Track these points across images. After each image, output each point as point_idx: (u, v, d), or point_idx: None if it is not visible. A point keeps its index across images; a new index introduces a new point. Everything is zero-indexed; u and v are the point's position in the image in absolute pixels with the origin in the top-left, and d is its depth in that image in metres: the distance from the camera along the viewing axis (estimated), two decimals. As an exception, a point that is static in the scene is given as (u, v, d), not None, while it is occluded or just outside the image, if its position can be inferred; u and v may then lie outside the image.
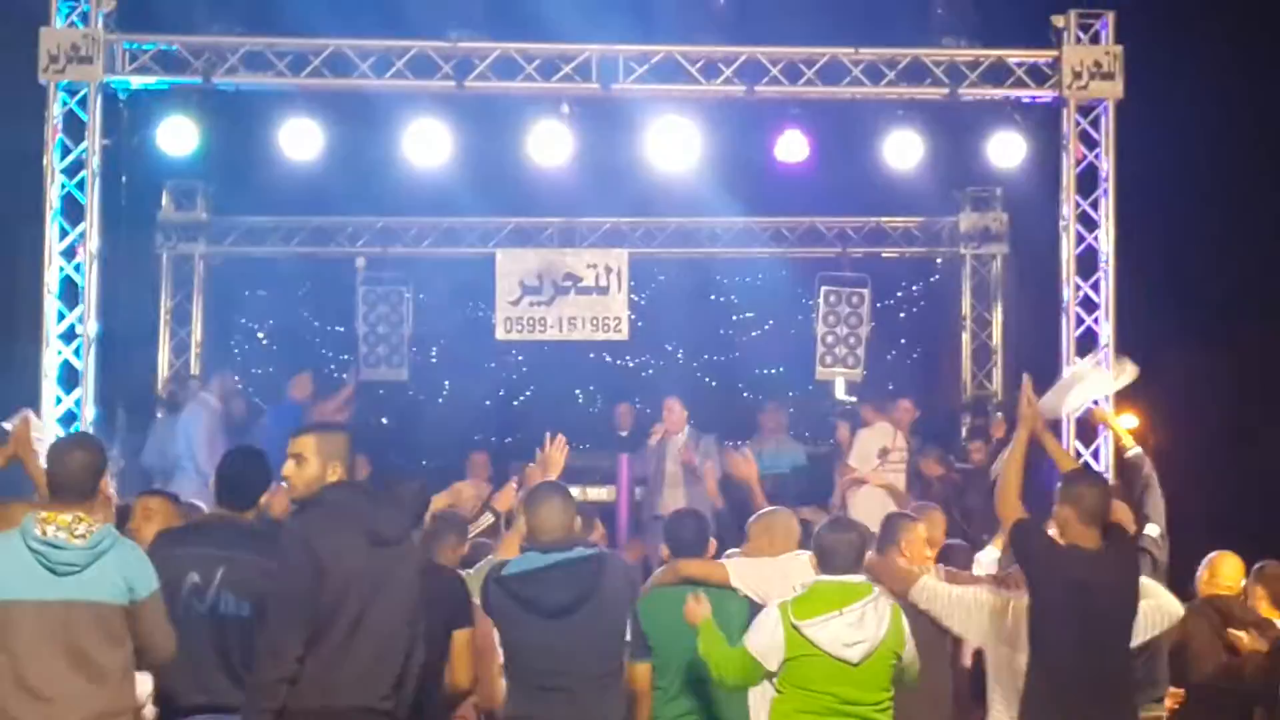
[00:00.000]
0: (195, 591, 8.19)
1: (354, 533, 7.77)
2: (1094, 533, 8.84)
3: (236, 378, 18.93)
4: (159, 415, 18.30)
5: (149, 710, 8.31)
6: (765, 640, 8.10)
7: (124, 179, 16.24)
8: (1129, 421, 19.40)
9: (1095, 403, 14.38)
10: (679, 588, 9.09)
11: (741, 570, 9.34)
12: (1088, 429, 15.89)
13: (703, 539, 9.58)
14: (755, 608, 8.88)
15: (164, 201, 20.50)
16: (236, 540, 8.39)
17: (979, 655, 9.67)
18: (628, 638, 8.65)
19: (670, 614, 8.89)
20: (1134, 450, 10.97)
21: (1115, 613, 8.84)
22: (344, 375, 21.09)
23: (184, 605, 8.08)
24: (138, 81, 15.95)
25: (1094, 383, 12.28)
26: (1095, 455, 15.76)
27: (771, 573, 9.28)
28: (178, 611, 7.92)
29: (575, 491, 11.77)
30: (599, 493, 17.09)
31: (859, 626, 8.03)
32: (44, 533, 7.38)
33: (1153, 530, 10.14)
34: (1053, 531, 9.06)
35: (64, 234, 15.41)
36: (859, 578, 8.26)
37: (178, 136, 16.58)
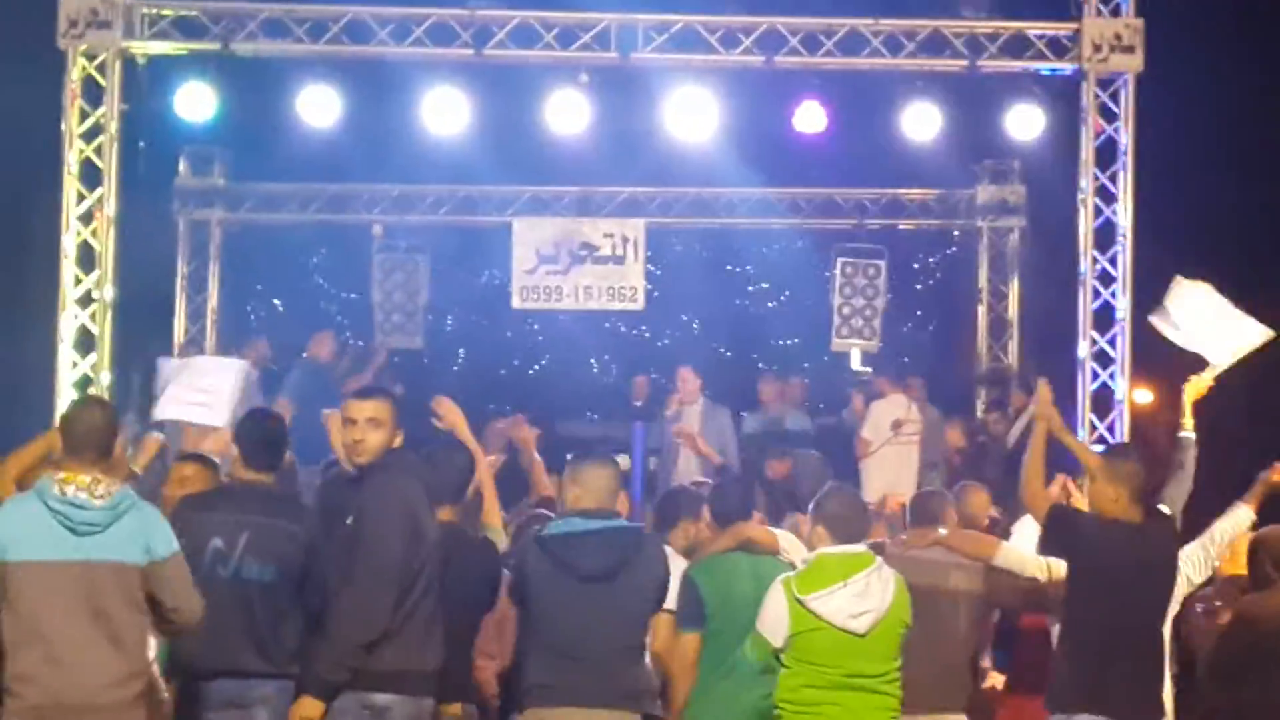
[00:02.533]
0: (219, 557, 8.19)
1: (426, 497, 7.90)
2: (1138, 509, 8.92)
3: (266, 343, 18.87)
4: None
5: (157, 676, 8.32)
6: (771, 617, 8.09)
7: (141, 144, 16.26)
8: (1142, 396, 19.39)
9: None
10: (734, 554, 9.08)
11: (791, 540, 9.34)
12: (1104, 402, 15.87)
13: (748, 505, 9.58)
14: None
15: (181, 167, 20.50)
16: (261, 505, 8.41)
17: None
18: (668, 607, 8.66)
19: (723, 581, 8.90)
20: (1188, 434, 10.89)
21: (1156, 587, 8.94)
22: (360, 343, 21.13)
23: (207, 570, 8.09)
24: (156, 47, 15.93)
25: (1237, 330, 11.79)
26: (1111, 429, 15.74)
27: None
28: (200, 576, 7.92)
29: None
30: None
31: (864, 597, 8.01)
32: (64, 493, 7.37)
33: (1163, 510, 10.10)
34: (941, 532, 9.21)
35: (81, 199, 15.42)
36: (861, 548, 8.24)
37: (196, 102, 16.59)
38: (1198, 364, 11.29)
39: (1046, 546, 9.17)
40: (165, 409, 11.29)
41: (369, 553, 7.80)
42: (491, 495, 9.56)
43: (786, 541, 9.32)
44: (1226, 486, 10.52)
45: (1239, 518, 10.14)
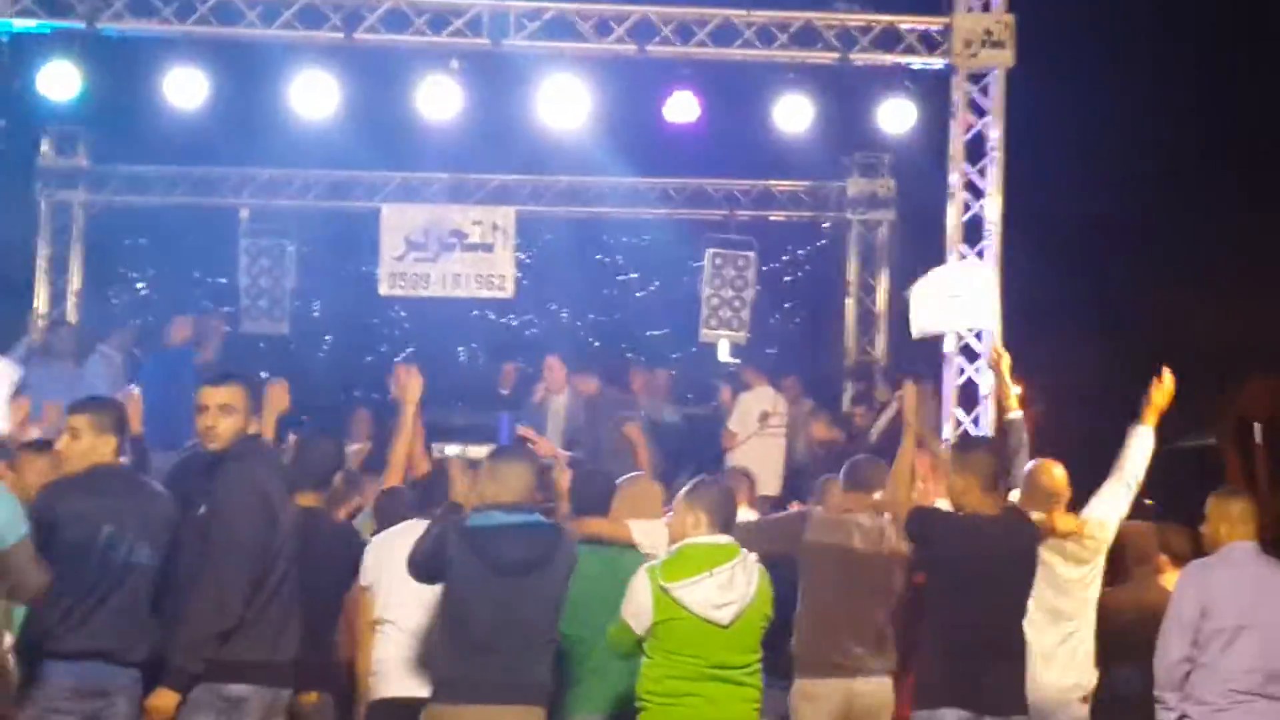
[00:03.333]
0: (111, 542, 8.07)
1: (281, 483, 7.83)
2: (991, 499, 9.00)
3: (137, 323, 18.62)
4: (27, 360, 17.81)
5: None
6: (634, 604, 8.04)
7: (3, 123, 15.99)
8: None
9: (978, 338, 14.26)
10: (583, 548, 9.05)
11: (644, 530, 9.31)
12: (970, 396, 15.97)
13: (607, 498, 9.56)
14: None
15: (44, 148, 20.22)
16: (138, 489, 8.33)
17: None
18: None
19: (579, 574, 8.85)
20: (1016, 413, 11.02)
21: (1014, 578, 8.98)
22: (226, 327, 20.92)
23: (100, 556, 7.99)
24: (19, 24, 15.66)
25: (973, 300, 12.08)
26: (976, 423, 15.82)
27: (652, 536, 9.26)
28: (92, 562, 7.89)
29: (455, 449, 11.84)
30: (479, 451, 16.93)
31: (729, 588, 7.98)
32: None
33: (1012, 496, 10.20)
34: (942, 504, 9.20)
35: (-60, 178, 15.16)
36: (727, 539, 8.21)
37: (59, 82, 16.29)
38: (1068, 364, 11.37)
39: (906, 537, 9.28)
40: None
41: (222, 541, 7.73)
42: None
43: (643, 531, 9.29)
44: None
45: (1144, 441, 10.24)
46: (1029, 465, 10.27)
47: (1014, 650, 8.94)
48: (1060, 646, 9.79)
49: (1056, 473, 10.07)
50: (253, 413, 8.07)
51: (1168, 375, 10.42)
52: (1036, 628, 9.44)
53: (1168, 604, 9.19)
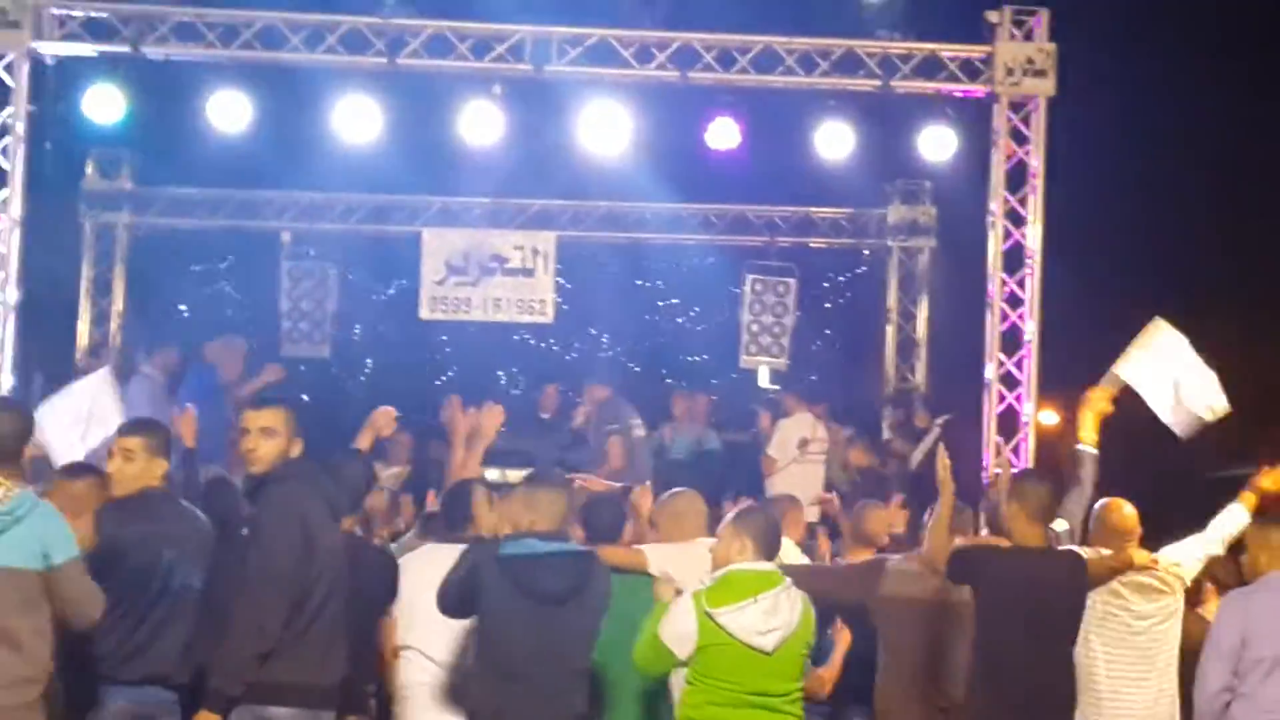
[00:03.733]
0: (172, 568, 8.14)
1: (324, 507, 7.83)
2: (1039, 530, 9.04)
3: (176, 350, 18.68)
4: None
5: None
6: (677, 628, 8.01)
7: (48, 146, 16.09)
8: (1048, 418, 19.49)
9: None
10: None
11: (659, 556, 9.29)
12: (1009, 423, 15.93)
13: (618, 524, 9.59)
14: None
15: (89, 170, 20.29)
16: (183, 513, 8.39)
17: None
18: None
19: None
20: (1087, 448, 10.93)
21: (1062, 607, 9.00)
22: (268, 351, 20.99)
23: (162, 582, 8.05)
24: (65, 49, 15.76)
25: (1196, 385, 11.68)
26: (1016, 451, 15.80)
27: (688, 558, 9.23)
28: (154, 588, 8.00)
29: (494, 474, 11.86)
30: (518, 475, 16.96)
31: (773, 614, 7.98)
32: (-37, 496, 7.29)
33: (1059, 525, 10.16)
34: (984, 534, 9.26)
35: (-14, 199, 15.24)
36: (771, 566, 8.21)
37: (104, 105, 16.43)
38: (1090, 385, 11.29)
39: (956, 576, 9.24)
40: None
41: (261, 564, 7.73)
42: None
43: (658, 559, 9.25)
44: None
45: (1237, 517, 10.21)
46: (1099, 503, 10.18)
47: (1060, 678, 8.94)
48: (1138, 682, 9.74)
49: (1127, 511, 10.00)
50: (295, 435, 8.08)
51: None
52: (1123, 679, 9.48)
53: (1202, 633, 9.17)
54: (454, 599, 8.20)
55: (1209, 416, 11.38)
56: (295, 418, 8.11)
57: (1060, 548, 9.32)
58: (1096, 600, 9.50)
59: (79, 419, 11.45)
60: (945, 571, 9.16)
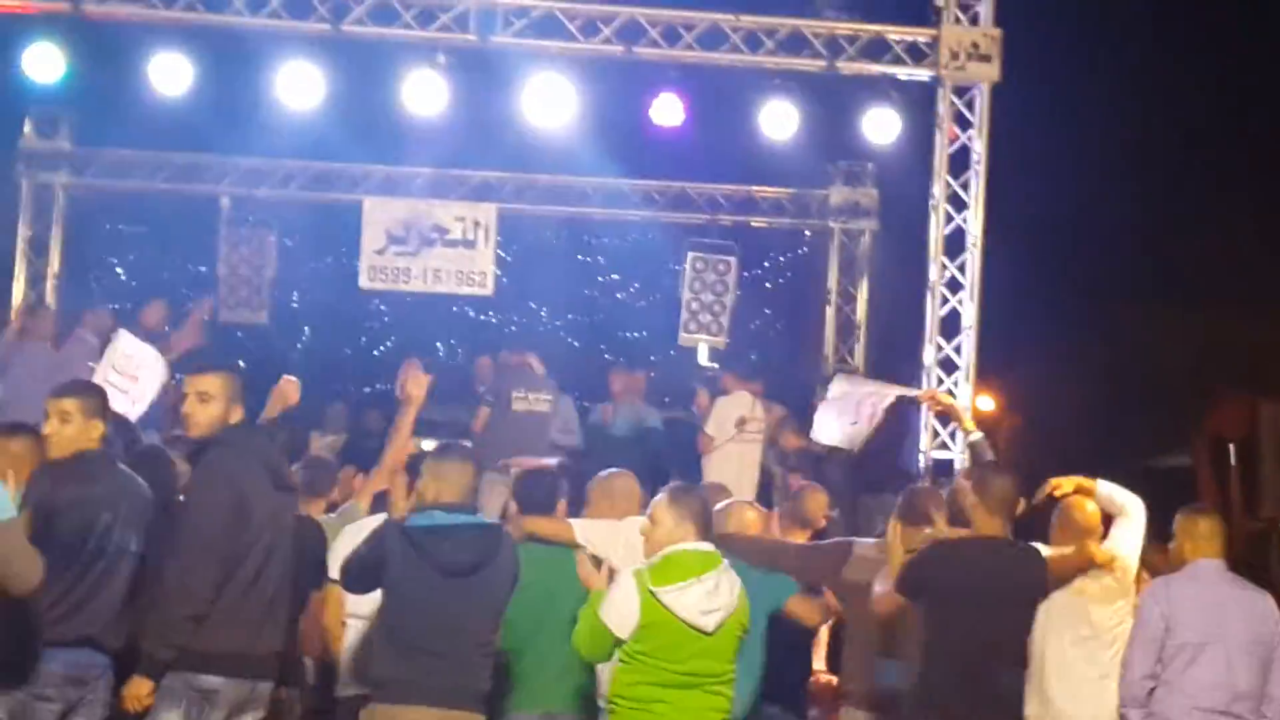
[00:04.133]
0: (108, 529, 8.05)
1: (264, 475, 7.78)
2: (999, 522, 9.06)
3: (113, 308, 18.53)
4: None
5: None
6: (620, 609, 7.96)
7: (-14, 104, 15.95)
8: (984, 404, 19.58)
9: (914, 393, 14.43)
10: (525, 546, 9.04)
11: (588, 530, 9.27)
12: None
13: (553, 498, 9.56)
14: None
15: (26, 129, 20.11)
16: (121, 474, 8.29)
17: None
18: None
19: None
20: (976, 434, 11.05)
21: (1017, 599, 9.00)
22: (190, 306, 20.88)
23: (96, 543, 7.99)
24: (5, 4, 15.60)
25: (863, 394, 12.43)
26: (953, 436, 15.82)
27: (616, 534, 9.22)
28: (89, 548, 7.93)
29: (429, 444, 11.81)
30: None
31: (715, 594, 7.96)
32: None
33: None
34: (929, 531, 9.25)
35: (-78, 157, 15.10)
36: (709, 546, 8.19)
37: (44, 63, 16.26)
38: (1045, 377, 11.38)
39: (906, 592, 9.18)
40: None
41: (190, 528, 7.71)
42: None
43: (586, 533, 9.24)
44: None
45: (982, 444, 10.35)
46: (1062, 501, 10.18)
47: (1010, 670, 8.96)
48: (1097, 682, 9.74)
49: (1090, 509, 9.99)
50: (235, 401, 8.03)
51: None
52: (1073, 668, 9.48)
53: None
54: (356, 572, 8.18)
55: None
56: (237, 383, 8.07)
57: (1020, 543, 9.27)
58: (1056, 601, 9.47)
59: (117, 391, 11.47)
60: (894, 586, 9.13)
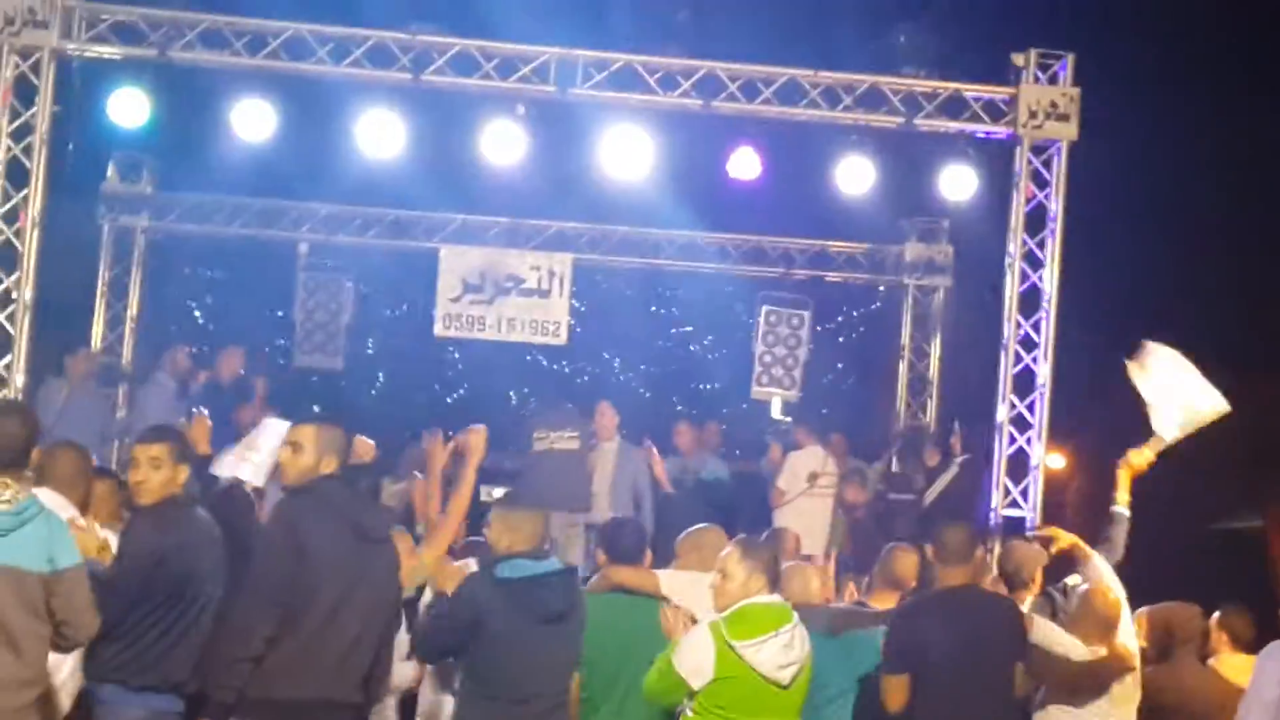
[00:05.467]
0: (205, 576, 8.16)
1: (340, 524, 7.83)
2: (959, 571, 9.01)
3: (189, 350, 18.65)
4: (81, 387, 17.82)
5: (60, 687, 8.21)
6: (695, 659, 7.97)
7: (71, 147, 16.12)
8: (1055, 462, 19.48)
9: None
10: (609, 595, 9.06)
11: (674, 582, 9.28)
12: (1020, 465, 15.91)
13: (640, 547, 9.56)
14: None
15: (110, 172, 20.33)
16: (204, 522, 8.40)
17: None
18: None
19: (599, 622, 8.88)
20: (1121, 509, 10.89)
21: (993, 641, 8.91)
22: (280, 361, 21.06)
23: (195, 590, 8.09)
24: (92, 50, 15.79)
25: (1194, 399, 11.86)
26: (1024, 494, 15.78)
27: (700, 586, 9.21)
28: (188, 596, 8.05)
29: (499, 492, 11.83)
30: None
31: (790, 648, 7.98)
32: (-32, 498, 7.28)
33: (1071, 579, 10.12)
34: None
35: (7, 198, 15.25)
36: (779, 599, 8.21)
37: (129, 108, 16.44)
38: (1116, 436, 11.25)
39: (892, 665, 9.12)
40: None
41: (252, 573, 7.87)
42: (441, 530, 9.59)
43: (671, 585, 9.24)
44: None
45: (1121, 518, 10.20)
46: (1085, 587, 10.06)
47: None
48: None
49: (1113, 598, 9.89)
50: (329, 452, 8.05)
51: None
52: None
53: (1209, 686, 9.08)
54: (441, 636, 8.25)
55: (1212, 416, 11.35)
56: (330, 435, 8.11)
57: (990, 590, 9.24)
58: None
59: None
60: (882, 663, 9.08)
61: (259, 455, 10.13)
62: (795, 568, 10.31)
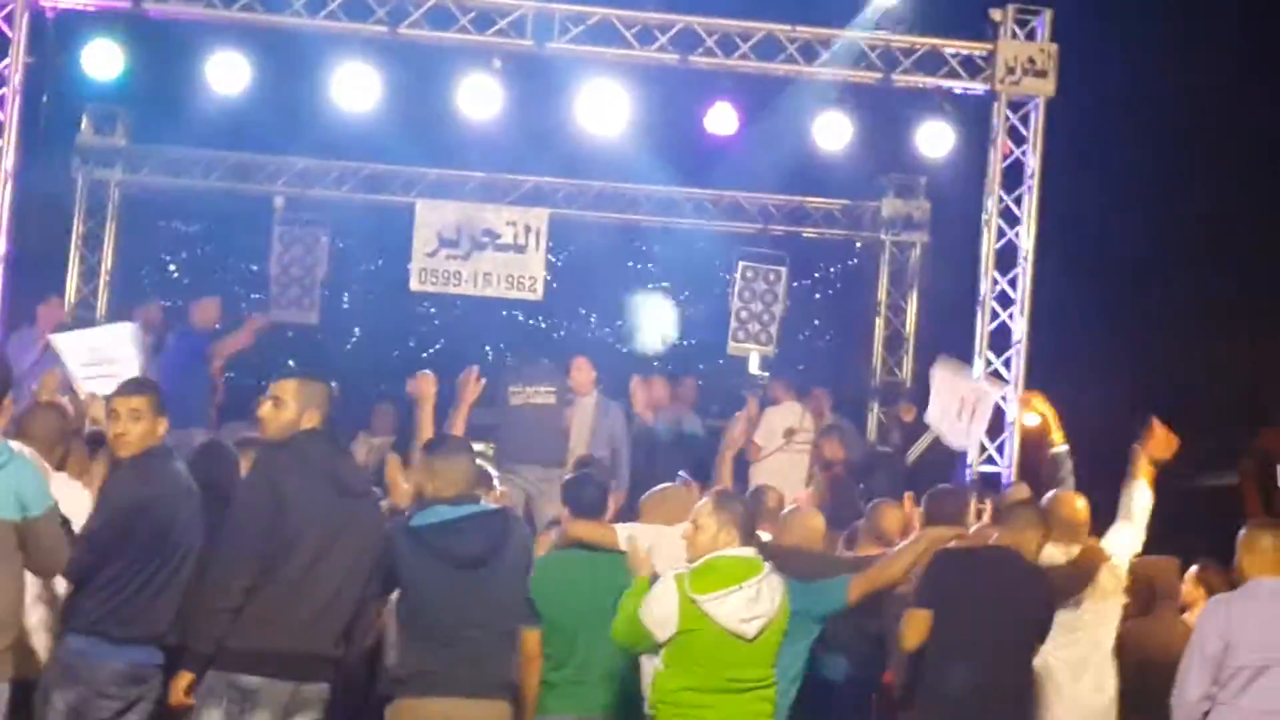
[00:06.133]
0: (184, 527, 8.15)
1: (320, 478, 7.85)
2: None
3: (163, 304, 18.61)
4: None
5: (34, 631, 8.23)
6: (659, 611, 7.99)
7: (45, 99, 16.01)
8: (1030, 419, 19.52)
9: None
10: (568, 551, 9.09)
11: (634, 533, 9.29)
12: (996, 423, 15.92)
13: (602, 502, 9.59)
14: None
15: (84, 125, 20.22)
16: (182, 474, 8.41)
17: None
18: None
19: (558, 578, 8.91)
20: (1060, 447, 11.06)
21: (1019, 597, 9.06)
22: (252, 313, 20.97)
23: (174, 540, 8.08)
24: (66, 2, 15.66)
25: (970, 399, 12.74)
26: (1000, 450, 15.81)
27: (663, 541, 9.23)
28: (167, 546, 8.05)
29: (479, 446, 11.85)
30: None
31: (756, 602, 7.97)
32: (-64, 447, 7.29)
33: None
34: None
35: (-21, 150, 15.16)
36: (751, 552, 8.20)
37: (103, 60, 16.36)
38: (1075, 388, 11.48)
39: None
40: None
41: (229, 525, 7.97)
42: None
43: (631, 539, 9.25)
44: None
45: (1144, 495, 10.23)
46: (1048, 496, 10.23)
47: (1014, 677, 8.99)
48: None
49: (1078, 504, 10.04)
50: (310, 407, 8.08)
51: (1159, 427, 10.37)
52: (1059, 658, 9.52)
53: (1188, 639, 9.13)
54: (377, 578, 8.24)
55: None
56: (312, 389, 8.14)
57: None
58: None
59: (95, 359, 11.58)
60: (913, 599, 9.17)
61: (115, 366, 10.17)
62: (798, 510, 10.41)
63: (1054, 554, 9.73)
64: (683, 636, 7.94)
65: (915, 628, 9.03)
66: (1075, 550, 9.83)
